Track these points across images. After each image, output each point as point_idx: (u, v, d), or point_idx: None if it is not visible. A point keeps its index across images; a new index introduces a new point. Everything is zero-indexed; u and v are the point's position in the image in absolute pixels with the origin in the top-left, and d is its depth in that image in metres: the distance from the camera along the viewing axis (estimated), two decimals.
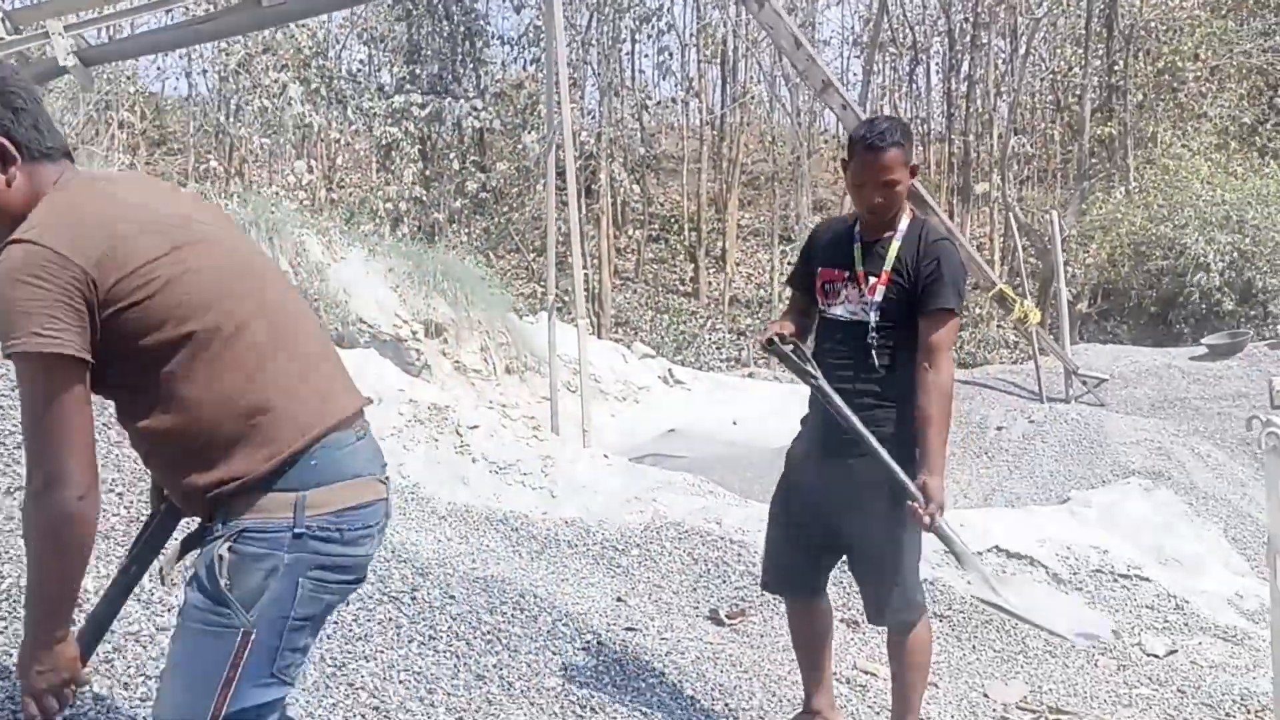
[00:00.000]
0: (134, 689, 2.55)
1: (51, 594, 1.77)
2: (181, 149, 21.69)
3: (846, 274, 3.09)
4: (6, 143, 1.76)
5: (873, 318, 3.02)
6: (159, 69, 21.89)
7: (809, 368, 3.02)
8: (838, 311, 3.11)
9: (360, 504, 1.89)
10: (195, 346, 1.78)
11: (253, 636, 1.80)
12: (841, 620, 4.32)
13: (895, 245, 3.02)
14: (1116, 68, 21.46)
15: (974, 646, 4.58)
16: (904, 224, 3.06)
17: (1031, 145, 25.37)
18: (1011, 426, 9.67)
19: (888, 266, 3.02)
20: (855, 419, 2.92)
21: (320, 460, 1.85)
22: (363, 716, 2.82)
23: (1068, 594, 4.40)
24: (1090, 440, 8.96)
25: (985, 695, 4.16)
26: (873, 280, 3.03)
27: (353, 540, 1.88)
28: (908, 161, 3.01)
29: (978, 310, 17.88)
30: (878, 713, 3.74)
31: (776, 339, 3.05)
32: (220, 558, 1.78)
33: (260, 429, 1.82)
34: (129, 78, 16.68)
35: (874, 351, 3.01)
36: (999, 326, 18.12)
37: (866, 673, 4.08)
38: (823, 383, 2.99)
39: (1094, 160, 21.57)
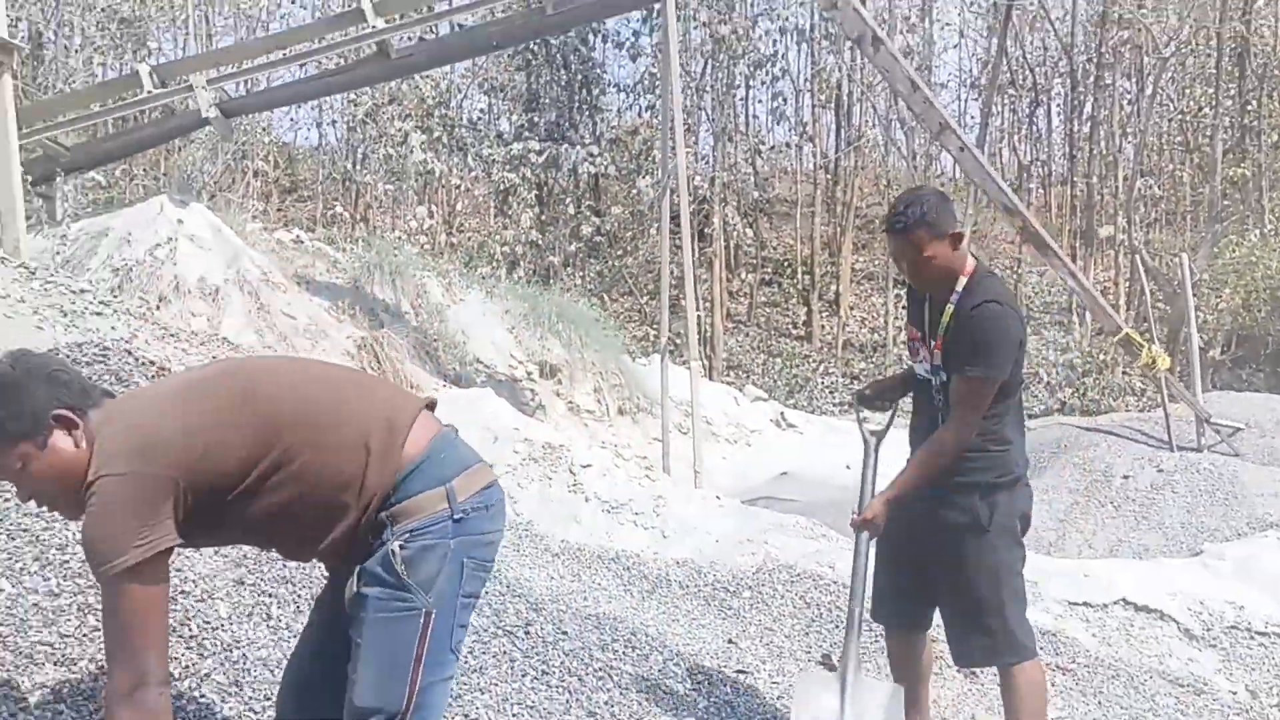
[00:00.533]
0: (262, 715, 2.63)
1: None
2: (311, 195, 22.57)
3: (920, 334, 3.25)
4: (68, 413, 1.97)
5: (936, 380, 3.18)
6: (292, 120, 22.93)
7: (866, 430, 3.42)
8: (917, 369, 3.31)
9: (487, 484, 2.12)
10: (287, 456, 1.98)
11: (433, 615, 2.00)
12: (959, 671, 4.21)
13: (949, 310, 3.12)
14: (1250, 107, 20.70)
15: (1100, 703, 4.41)
16: (960, 285, 3.11)
17: (1159, 187, 24.57)
18: (1139, 475, 9.30)
19: (941, 331, 3.13)
20: (869, 489, 3.28)
21: (447, 455, 2.08)
22: None
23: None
24: (1225, 491, 8.56)
25: None
26: (933, 344, 3.17)
27: (496, 514, 2.13)
28: (939, 234, 3.05)
29: (1102, 357, 17.31)
30: None
31: (856, 396, 3.57)
32: (394, 553, 1.99)
33: (374, 455, 2.02)
34: (264, 129, 17.45)
35: (941, 411, 3.17)
36: (1124, 373, 17.50)
37: None
38: (868, 446, 3.37)
39: (1226, 202, 20.79)
